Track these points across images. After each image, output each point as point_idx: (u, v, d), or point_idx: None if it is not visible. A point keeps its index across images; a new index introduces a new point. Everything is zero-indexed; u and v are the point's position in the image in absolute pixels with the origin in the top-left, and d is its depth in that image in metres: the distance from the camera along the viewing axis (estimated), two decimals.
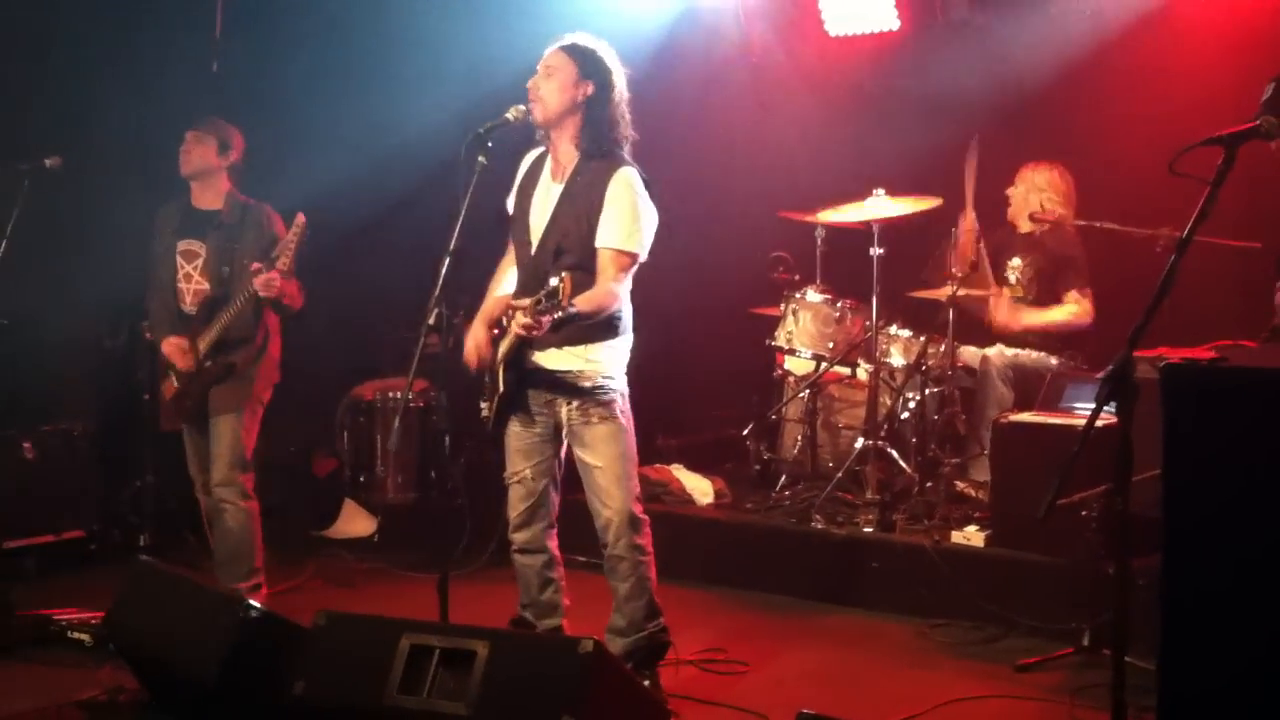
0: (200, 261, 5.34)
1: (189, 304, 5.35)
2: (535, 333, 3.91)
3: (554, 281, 3.78)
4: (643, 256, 4.20)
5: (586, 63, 4.22)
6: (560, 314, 3.82)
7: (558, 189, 4.25)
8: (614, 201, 4.14)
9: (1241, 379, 2.45)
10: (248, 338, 5.32)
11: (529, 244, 4.29)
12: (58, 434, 6.22)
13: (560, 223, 4.20)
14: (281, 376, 5.52)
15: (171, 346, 5.31)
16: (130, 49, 6.38)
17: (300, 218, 5.04)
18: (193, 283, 5.34)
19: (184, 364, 5.29)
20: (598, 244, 4.14)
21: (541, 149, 4.39)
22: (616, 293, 4.15)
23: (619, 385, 4.27)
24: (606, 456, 4.21)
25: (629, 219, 4.14)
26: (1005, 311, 6.17)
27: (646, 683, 4.18)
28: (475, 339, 4.36)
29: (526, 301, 3.91)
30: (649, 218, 4.20)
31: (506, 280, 4.47)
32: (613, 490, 4.21)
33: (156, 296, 5.47)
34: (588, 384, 4.20)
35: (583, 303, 3.94)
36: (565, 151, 4.27)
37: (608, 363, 4.23)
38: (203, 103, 6.15)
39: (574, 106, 4.21)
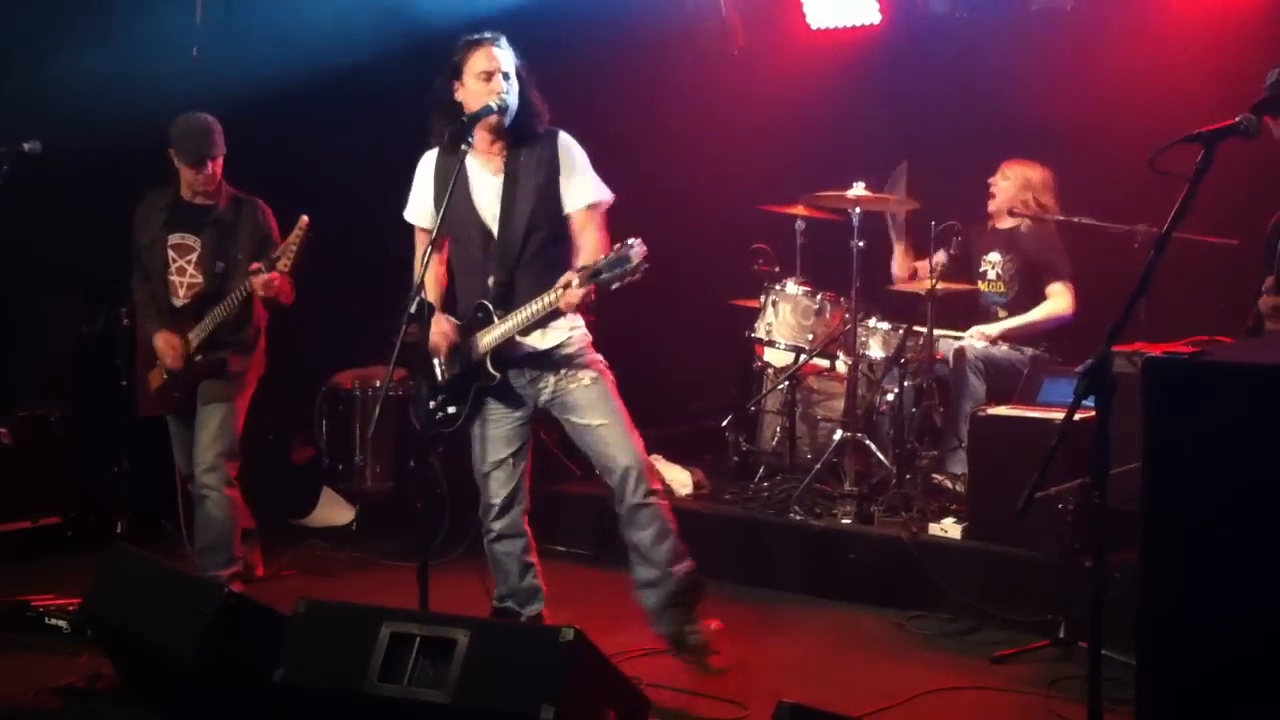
0: (194, 256, 5.33)
1: (182, 297, 5.34)
2: (591, 300, 4.00)
3: (631, 243, 3.84)
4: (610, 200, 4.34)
5: (518, 60, 4.33)
6: (630, 278, 3.87)
7: (498, 179, 4.31)
8: (568, 163, 4.29)
9: (1222, 372, 2.47)
10: (241, 334, 5.33)
11: (489, 234, 4.31)
12: (34, 419, 6.20)
13: (523, 202, 4.26)
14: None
15: (163, 343, 5.28)
16: (110, 33, 6.34)
17: (304, 219, 5.03)
18: (186, 276, 5.34)
19: (174, 362, 5.29)
20: (571, 209, 4.28)
21: (435, 150, 4.42)
22: (607, 241, 4.24)
23: (593, 347, 4.41)
24: (608, 412, 4.31)
25: (590, 172, 4.31)
26: (980, 328, 6.19)
27: (694, 628, 4.36)
28: (441, 327, 4.37)
29: (573, 276, 3.95)
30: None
31: (434, 280, 4.48)
32: (624, 441, 4.29)
33: (143, 288, 5.46)
34: (574, 350, 4.33)
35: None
36: (496, 145, 4.32)
37: (583, 327, 4.38)
38: (182, 88, 6.11)
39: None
